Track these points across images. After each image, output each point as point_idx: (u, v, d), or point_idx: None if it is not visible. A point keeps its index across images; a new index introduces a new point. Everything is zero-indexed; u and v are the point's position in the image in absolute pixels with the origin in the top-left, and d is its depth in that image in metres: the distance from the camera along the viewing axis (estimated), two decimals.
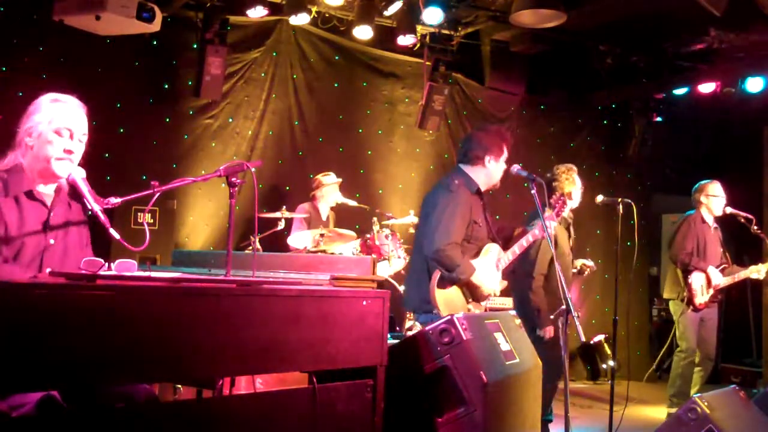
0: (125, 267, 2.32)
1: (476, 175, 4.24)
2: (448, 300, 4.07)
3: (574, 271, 5.25)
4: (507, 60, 7.65)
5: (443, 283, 4.05)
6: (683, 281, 5.98)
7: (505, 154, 4.28)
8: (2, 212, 2.59)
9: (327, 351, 2.55)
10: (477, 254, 4.21)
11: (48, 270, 2.59)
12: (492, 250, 4.27)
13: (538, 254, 4.84)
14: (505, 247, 4.38)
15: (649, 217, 8.93)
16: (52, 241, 2.70)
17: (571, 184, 5.05)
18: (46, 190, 2.75)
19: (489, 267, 4.21)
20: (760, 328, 8.22)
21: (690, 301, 5.92)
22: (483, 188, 4.27)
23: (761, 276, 5.96)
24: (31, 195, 2.69)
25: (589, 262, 5.31)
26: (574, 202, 5.10)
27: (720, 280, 5.93)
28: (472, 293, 4.15)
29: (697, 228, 6.04)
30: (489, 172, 4.24)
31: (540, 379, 3.80)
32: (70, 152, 2.69)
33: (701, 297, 5.92)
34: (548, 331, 4.76)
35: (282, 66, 7.19)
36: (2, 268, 2.52)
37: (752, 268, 5.97)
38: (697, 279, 5.92)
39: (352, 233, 6.40)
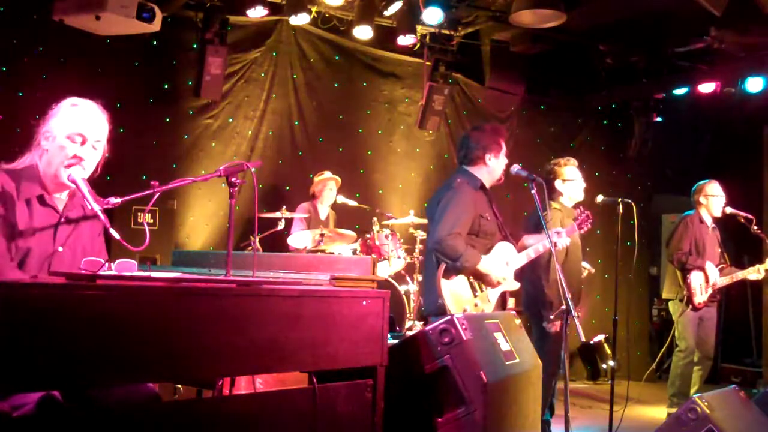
0: (125, 267, 2.32)
1: (479, 173, 4.34)
2: (455, 292, 4.10)
3: None
4: (507, 60, 7.65)
5: (448, 274, 4.12)
6: (682, 281, 5.99)
7: (504, 149, 4.39)
8: (13, 214, 2.55)
9: (327, 351, 2.55)
10: (489, 251, 4.25)
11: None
12: (504, 248, 4.32)
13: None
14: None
15: (649, 217, 8.93)
16: (60, 249, 2.65)
17: (566, 174, 5.07)
18: (60, 195, 2.71)
19: (499, 262, 4.24)
20: (760, 328, 8.23)
21: (689, 301, 5.93)
22: (487, 185, 4.35)
23: (761, 276, 5.96)
24: (42, 200, 2.65)
25: (587, 265, 5.29)
26: (577, 193, 5.09)
27: (718, 278, 5.93)
28: (482, 281, 4.18)
29: (695, 228, 6.04)
30: (491, 169, 4.35)
31: (540, 379, 3.81)
32: (79, 159, 2.64)
33: (700, 296, 5.92)
34: (555, 326, 4.75)
35: (282, 66, 7.19)
36: (8, 272, 2.47)
37: (751, 269, 5.97)
38: (695, 278, 5.92)
39: (352, 233, 6.40)
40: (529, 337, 4.00)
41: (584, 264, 5.29)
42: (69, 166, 2.63)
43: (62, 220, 2.69)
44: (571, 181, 5.09)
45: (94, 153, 2.69)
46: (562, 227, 4.81)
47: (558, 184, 5.09)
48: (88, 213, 2.77)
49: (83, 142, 2.66)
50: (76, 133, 2.65)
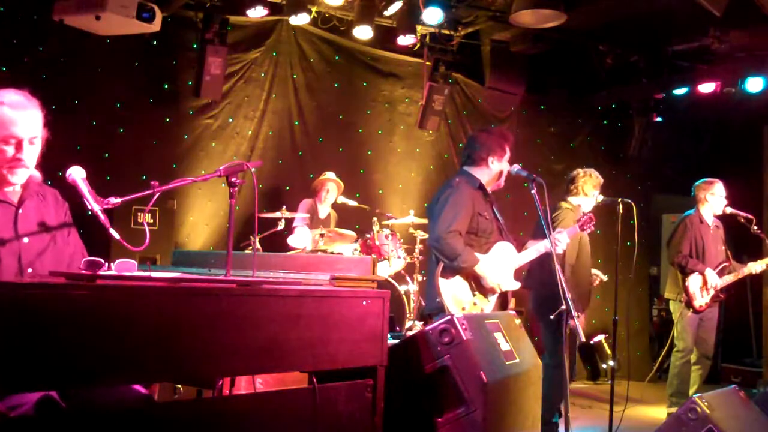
0: (125, 267, 2.32)
1: (480, 175, 4.35)
2: (453, 291, 4.10)
3: None
4: (507, 60, 7.64)
5: (447, 274, 4.11)
6: (681, 284, 5.97)
7: (508, 154, 4.38)
8: None
9: (327, 351, 2.55)
10: (487, 250, 4.25)
11: (29, 270, 2.57)
12: (504, 248, 4.31)
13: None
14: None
15: (649, 217, 8.93)
16: (26, 240, 2.62)
17: (590, 187, 5.17)
18: (10, 188, 2.66)
19: (498, 263, 4.24)
20: (760, 328, 8.22)
21: (689, 304, 5.91)
22: (487, 187, 4.33)
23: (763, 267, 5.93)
24: None
25: (599, 273, 5.28)
26: (591, 201, 5.14)
27: (717, 282, 5.90)
28: (477, 285, 4.18)
29: (695, 229, 6.01)
30: (492, 171, 4.35)
31: (540, 379, 3.80)
32: (19, 161, 2.57)
33: (700, 299, 5.90)
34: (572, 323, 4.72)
35: (282, 66, 7.19)
36: None
37: (760, 261, 5.90)
38: (693, 282, 5.90)
39: (352, 233, 6.40)
40: (534, 337, 3.99)
41: (595, 271, 5.28)
42: (11, 168, 2.57)
43: (20, 211, 2.65)
44: (590, 196, 5.25)
45: (33, 149, 2.62)
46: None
47: (578, 190, 5.24)
48: (49, 200, 2.75)
49: (19, 144, 2.58)
50: (9, 135, 2.55)
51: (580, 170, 5.35)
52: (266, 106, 7.12)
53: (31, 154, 2.62)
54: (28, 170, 2.63)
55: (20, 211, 2.65)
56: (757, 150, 8.16)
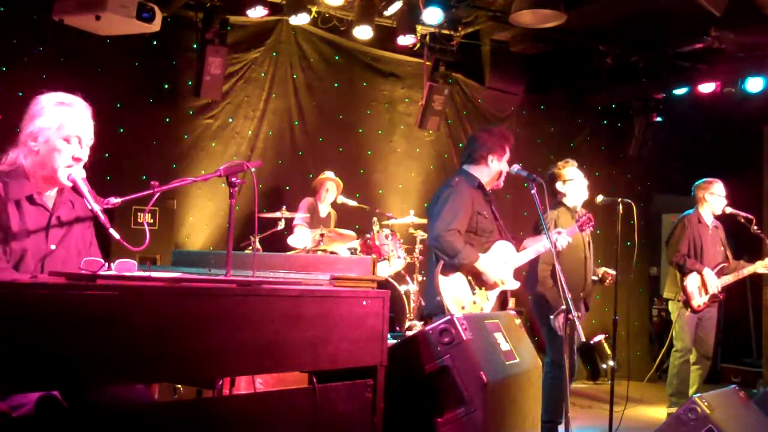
0: (125, 267, 2.32)
1: (479, 174, 4.37)
2: (453, 290, 4.11)
3: (596, 278, 5.23)
4: (507, 60, 7.64)
5: (446, 272, 4.11)
6: (680, 283, 5.97)
7: (508, 155, 4.40)
8: (6, 216, 2.54)
9: (327, 351, 2.55)
10: (487, 249, 4.26)
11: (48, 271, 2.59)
12: (503, 247, 4.33)
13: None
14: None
15: (649, 217, 8.93)
16: (53, 247, 2.66)
17: (566, 175, 5.09)
18: (49, 193, 2.72)
19: (498, 260, 4.24)
20: (760, 328, 8.22)
21: (687, 303, 5.91)
22: (486, 186, 4.34)
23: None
24: (32, 200, 2.64)
25: (612, 271, 5.23)
26: (580, 191, 5.10)
27: (716, 282, 5.90)
28: (478, 281, 4.18)
29: (693, 229, 6.01)
30: (491, 171, 4.37)
31: (540, 379, 3.81)
32: (78, 160, 2.65)
33: (698, 299, 5.90)
34: (559, 321, 4.71)
35: (282, 66, 7.19)
36: (5, 275, 2.46)
37: (759, 263, 5.89)
38: (692, 281, 5.90)
39: (352, 233, 6.41)
40: (534, 337, 4.00)
41: (609, 270, 5.22)
42: (69, 167, 2.64)
43: (53, 218, 2.69)
44: (571, 180, 5.11)
45: (86, 152, 2.71)
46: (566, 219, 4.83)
47: (559, 185, 5.11)
48: (78, 209, 2.80)
49: (80, 143, 2.67)
50: (72, 135, 2.65)
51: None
52: (266, 106, 7.12)
53: (85, 157, 2.70)
54: (83, 171, 2.67)
55: (53, 216, 2.69)
56: (757, 150, 8.17)
